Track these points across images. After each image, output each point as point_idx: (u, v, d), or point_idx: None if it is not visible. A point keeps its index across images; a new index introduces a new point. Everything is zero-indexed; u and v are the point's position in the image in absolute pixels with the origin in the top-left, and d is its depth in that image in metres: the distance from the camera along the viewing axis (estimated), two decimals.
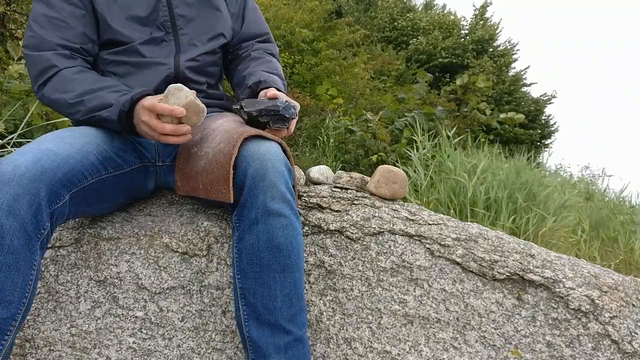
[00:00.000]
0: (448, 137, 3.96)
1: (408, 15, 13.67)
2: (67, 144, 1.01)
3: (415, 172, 3.62)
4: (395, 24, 13.38)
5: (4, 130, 2.03)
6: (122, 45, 1.21)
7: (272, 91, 1.14)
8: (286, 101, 1.10)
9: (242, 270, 1.02)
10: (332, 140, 5.05)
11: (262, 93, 1.18)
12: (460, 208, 3.06)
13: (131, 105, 1.06)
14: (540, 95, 12.47)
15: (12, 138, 1.93)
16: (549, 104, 12.39)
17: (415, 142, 4.12)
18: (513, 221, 2.93)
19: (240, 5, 1.40)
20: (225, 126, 1.10)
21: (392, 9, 13.53)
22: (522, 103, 11.90)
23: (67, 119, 2.28)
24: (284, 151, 1.08)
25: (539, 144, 12.14)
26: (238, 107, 1.13)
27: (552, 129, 12.50)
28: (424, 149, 3.94)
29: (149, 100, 1.03)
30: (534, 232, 2.86)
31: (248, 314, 1.01)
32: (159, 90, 1.17)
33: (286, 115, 1.09)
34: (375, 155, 4.51)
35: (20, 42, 2.51)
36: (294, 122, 1.14)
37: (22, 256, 0.89)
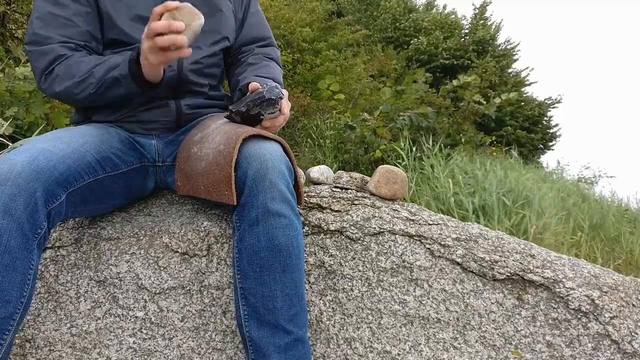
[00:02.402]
0: (436, 152, 4.00)
1: (410, 15, 13.66)
2: (63, 144, 1.01)
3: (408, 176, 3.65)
4: (397, 24, 13.37)
5: (7, 130, 2.03)
6: (126, 46, 1.21)
7: (253, 84, 1.13)
8: (268, 85, 1.10)
9: (242, 271, 1.02)
10: (330, 141, 5.04)
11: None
12: (448, 212, 3.08)
13: (138, 54, 1.07)
14: (545, 99, 12.44)
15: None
16: (553, 107, 12.35)
17: (416, 142, 4.13)
18: (509, 221, 2.94)
19: (243, 9, 1.40)
20: (226, 127, 1.10)
21: (395, 9, 13.51)
22: (523, 104, 11.87)
23: (67, 122, 2.29)
24: (285, 151, 1.08)
25: (541, 146, 12.12)
26: (228, 113, 1.13)
27: (554, 132, 12.48)
28: (410, 159, 3.96)
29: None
30: (528, 232, 2.87)
31: (248, 314, 1.01)
32: (162, 89, 1.17)
33: (272, 97, 1.08)
34: (378, 151, 4.49)
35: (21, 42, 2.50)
36: (285, 104, 1.12)
37: (19, 256, 0.89)
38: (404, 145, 4.09)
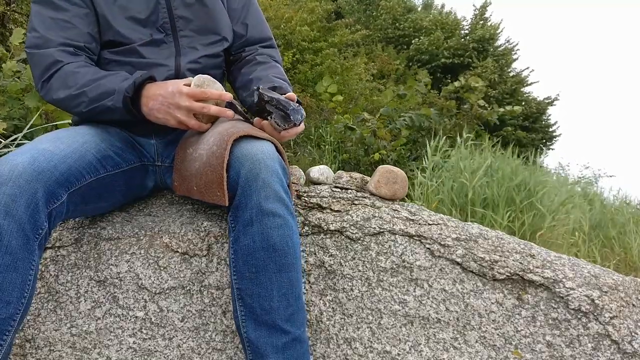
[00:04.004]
0: (463, 141, 3.99)
1: (410, 15, 13.63)
2: (64, 144, 1.01)
3: (416, 173, 3.64)
4: (397, 24, 13.35)
5: (4, 130, 2.02)
6: (123, 46, 1.21)
7: (291, 94, 1.15)
8: (299, 106, 1.11)
9: (238, 271, 1.02)
10: (329, 144, 5.03)
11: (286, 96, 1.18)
12: (463, 208, 3.07)
13: (135, 90, 1.07)
14: (544, 98, 12.44)
15: (16, 138, 1.93)
16: (552, 105, 12.35)
17: (417, 142, 4.13)
18: (511, 220, 2.94)
19: (243, 8, 1.39)
20: (219, 127, 1.10)
21: (395, 9, 13.48)
22: (524, 104, 11.88)
23: (68, 120, 2.29)
24: (277, 150, 1.07)
25: (541, 146, 12.13)
26: (256, 87, 1.12)
27: (554, 132, 12.48)
28: (434, 154, 3.94)
29: (186, 88, 1.07)
30: (531, 231, 2.87)
31: (245, 314, 1.01)
32: None
33: (291, 116, 1.08)
34: (377, 153, 4.49)
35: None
36: (294, 130, 1.12)
37: (20, 256, 0.89)
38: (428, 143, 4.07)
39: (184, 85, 1.08)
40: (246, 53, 1.39)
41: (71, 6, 1.17)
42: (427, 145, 4.07)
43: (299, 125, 1.12)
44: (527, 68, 13.76)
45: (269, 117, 1.10)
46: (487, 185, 3.17)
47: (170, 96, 1.07)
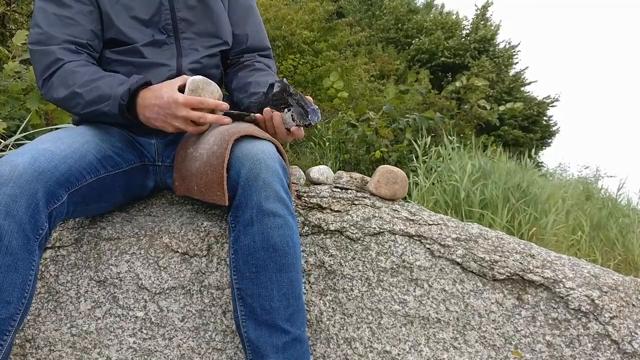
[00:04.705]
0: (450, 141, 3.99)
1: (413, 17, 13.64)
2: (64, 144, 1.01)
3: (415, 174, 3.64)
4: (400, 25, 13.36)
5: (3, 130, 2.03)
6: (124, 45, 1.21)
7: (309, 97, 1.15)
8: (317, 109, 1.12)
9: (238, 271, 1.02)
10: (330, 142, 5.03)
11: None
12: (457, 209, 3.07)
13: (130, 96, 1.07)
14: (544, 98, 12.43)
15: (16, 139, 1.93)
16: (552, 106, 12.35)
17: (416, 143, 4.13)
18: (509, 221, 2.94)
19: (245, 14, 1.38)
20: (220, 127, 1.10)
21: (398, 9, 13.49)
22: (524, 102, 11.87)
23: (68, 121, 2.29)
24: (278, 151, 1.07)
25: (539, 144, 12.11)
26: (279, 79, 1.13)
27: (554, 129, 12.48)
28: (424, 154, 3.94)
29: (182, 97, 1.06)
30: (529, 231, 2.87)
31: (245, 314, 1.01)
32: None
33: (309, 115, 1.09)
34: (378, 151, 4.48)
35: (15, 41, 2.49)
36: (301, 131, 1.13)
37: (21, 257, 0.89)
38: (420, 143, 4.07)
39: (179, 85, 1.08)
40: (244, 59, 1.39)
41: (75, 3, 1.17)
42: (415, 144, 4.07)
43: (312, 125, 1.13)
44: (527, 68, 13.75)
45: (285, 110, 1.10)
46: (483, 186, 3.17)
47: (167, 106, 1.06)
